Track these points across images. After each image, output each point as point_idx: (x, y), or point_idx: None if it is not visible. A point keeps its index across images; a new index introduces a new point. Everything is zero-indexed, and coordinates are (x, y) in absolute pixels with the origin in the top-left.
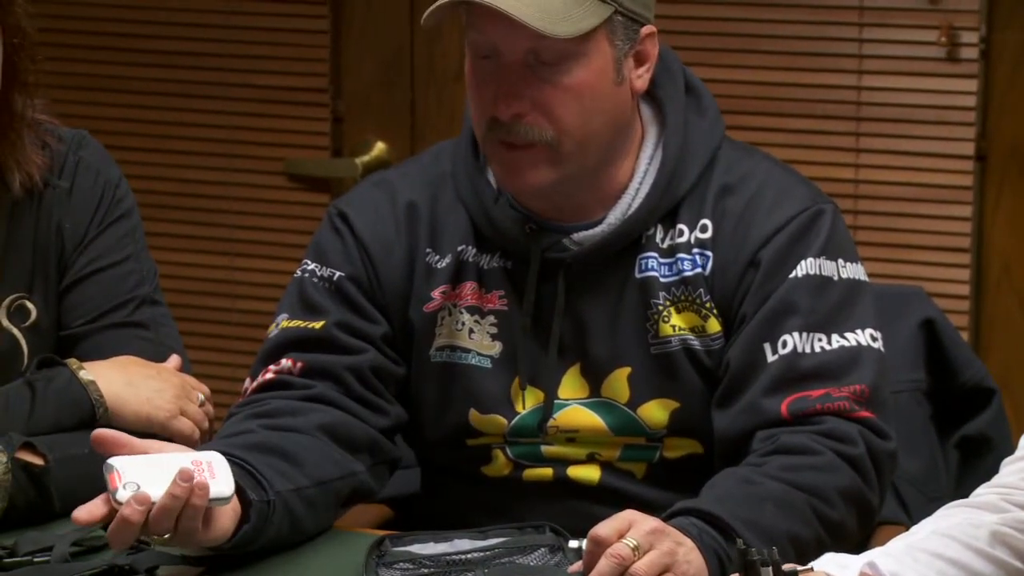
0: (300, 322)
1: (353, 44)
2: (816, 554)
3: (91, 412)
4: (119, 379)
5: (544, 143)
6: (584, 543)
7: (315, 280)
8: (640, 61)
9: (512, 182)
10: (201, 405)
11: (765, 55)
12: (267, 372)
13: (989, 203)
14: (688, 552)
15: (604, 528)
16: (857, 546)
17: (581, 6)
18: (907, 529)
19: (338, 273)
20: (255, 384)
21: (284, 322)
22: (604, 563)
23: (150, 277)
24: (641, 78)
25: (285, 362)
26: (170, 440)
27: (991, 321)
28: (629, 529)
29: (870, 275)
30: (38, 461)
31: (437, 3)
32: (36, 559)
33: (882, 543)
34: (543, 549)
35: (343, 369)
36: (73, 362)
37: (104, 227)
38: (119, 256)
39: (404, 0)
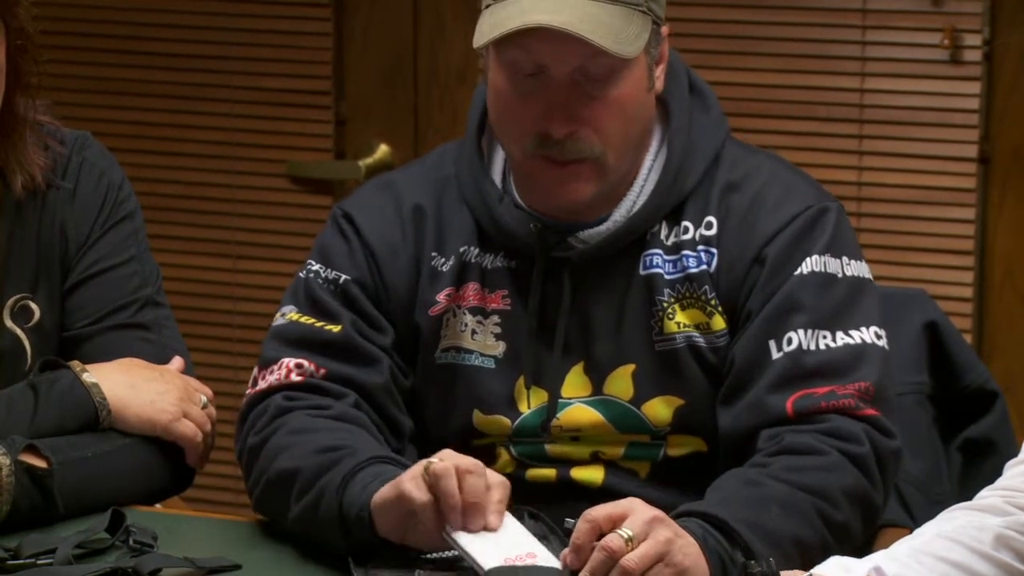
0: (312, 320)
1: (356, 46)
2: (821, 556)
3: (94, 415)
4: (122, 382)
5: (593, 158)
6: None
7: (319, 281)
8: (659, 62)
9: (557, 198)
10: (204, 408)
11: (768, 57)
12: (289, 370)
13: (992, 206)
14: (686, 545)
15: (598, 510)
16: (861, 546)
17: (633, 21)
18: (910, 532)
19: (344, 276)
20: (280, 379)
21: (292, 314)
22: (596, 555)
23: (153, 279)
24: (660, 79)
25: (307, 364)
26: (172, 442)
27: (994, 323)
28: (625, 517)
29: (873, 277)
30: (41, 464)
31: (506, 29)
32: (39, 561)
33: (885, 546)
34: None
35: (367, 385)
36: (76, 364)
37: (107, 229)
38: (122, 258)
39: (407, 3)
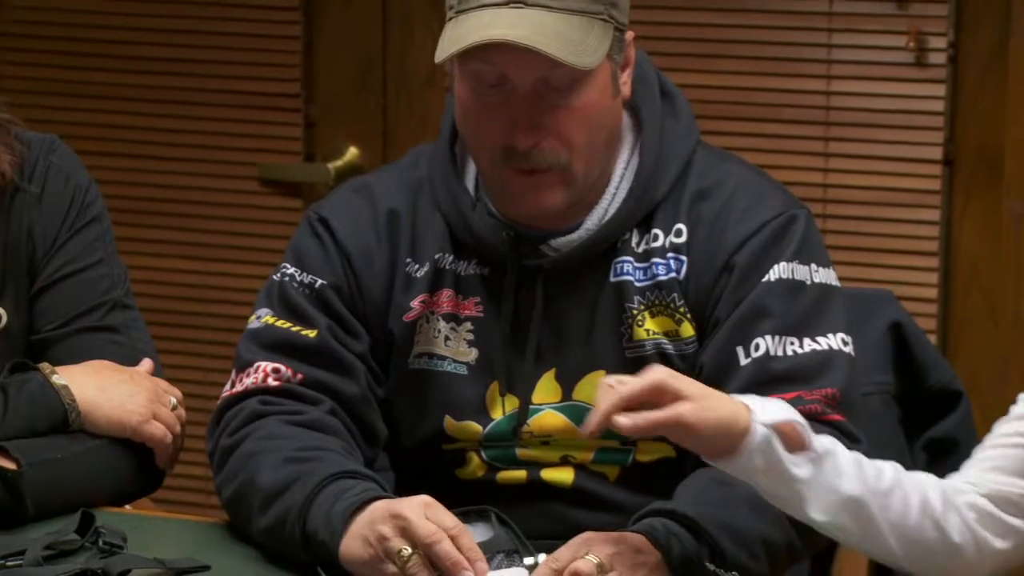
0: (288, 324)
1: (326, 50)
2: (787, 556)
3: (64, 416)
4: (91, 383)
5: (559, 167)
6: (540, 558)
7: (295, 285)
8: (624, 67)
9: (528, 205)
10: (173, 409)
11: (734, 60)
12: (266, 374)
13: (957, 207)
14: (653, 567)
15: (563, 553)
16: (826, 547)
17: (592, 31)
18: None
19: (320, 281)
20: (257, 383)
21: (268, 318)
22: None
23: (121, 281)
24: (626, 84)
25: (284, 369)
26: (142, 443)
27: (959, 324)
28: (587, 550)
29: (839, 278)
30: (11, 465)
31: (465, 44)
32: (8, 563)
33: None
34: (500, 555)
35: (344, 394)
36: (45, 366)
37: (75, 232)
38: (90, 260)
39: (376, 6)
